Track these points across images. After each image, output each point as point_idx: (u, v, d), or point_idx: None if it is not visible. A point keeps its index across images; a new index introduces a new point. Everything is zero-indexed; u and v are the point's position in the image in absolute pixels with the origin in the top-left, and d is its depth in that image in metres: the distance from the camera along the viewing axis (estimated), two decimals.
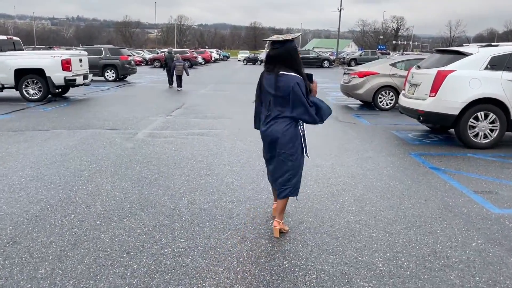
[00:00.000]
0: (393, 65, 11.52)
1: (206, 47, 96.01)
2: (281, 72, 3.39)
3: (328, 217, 4.05)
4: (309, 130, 8.67)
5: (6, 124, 8.65)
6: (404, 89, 8.40)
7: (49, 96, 13.43)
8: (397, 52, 73.10)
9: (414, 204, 4.45)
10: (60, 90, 13.55)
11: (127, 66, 20.66)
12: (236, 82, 21.54)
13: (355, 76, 11.60)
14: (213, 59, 52.21)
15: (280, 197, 3.60)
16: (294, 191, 3.60)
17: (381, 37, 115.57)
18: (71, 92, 14.70)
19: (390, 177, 5.38)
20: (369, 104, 12.37)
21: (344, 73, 12.46)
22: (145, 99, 13.55)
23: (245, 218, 4.01)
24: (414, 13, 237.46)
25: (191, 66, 37.02)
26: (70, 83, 12.65)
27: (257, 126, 3.90)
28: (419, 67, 7.78)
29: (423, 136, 8.06)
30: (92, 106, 11.66)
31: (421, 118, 7.29)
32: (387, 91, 11.42)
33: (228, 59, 65.17)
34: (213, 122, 9.21)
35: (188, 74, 17.35)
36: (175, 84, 17.48)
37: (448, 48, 7.72)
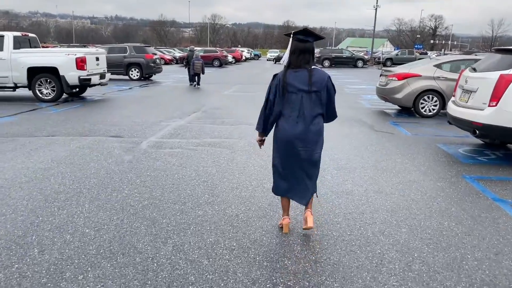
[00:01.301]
0: (438, 66, 10.12)
1: (239, 46, 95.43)
2: (313, 67, 3.31)
3: (361, 282, 2.90)
4: (338, 143, 7.72)
5: (4, 128, 7.90)
6: (454, 96, 7.07)
7: (66, 96, 12.81)
8: (436, 52, 69.90)
9: (481, 260, 3.23)
10: (77, 90, 12.90)
11: (152, 65, 19.96)
12: (264, 82, 20.41)
13: (394, 78, 10.27)
14: (244, 58, 51.30)
15: (306, 201, 3.55)
16: (315, 190, 3.64)
17: (418, 36, 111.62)
18: (90, 92, 14.04)
19: (443, 213, 4.16)
20: (408, 110, 11.01)
21: (381, 75, 11.14)
22: (164, 100, 12.68)
23: (245, 279, 2.92)
24: (453, 11, 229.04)
25: (220, 65, 36.26)
26: (85, 83, 11.92)
27: (265, 129, 3.68)
28: (474, 70, 6.45)
29: (477, 152, 6.71)
30: (105, 108, 10.86)
31: (477, 132, 5.98)
32: (430, 96, 10.04)
33: (259, 58, 64.16)
34: (230, 130, 8.16)
35: (203, 73, 17.37)
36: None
37: None
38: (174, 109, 10.83)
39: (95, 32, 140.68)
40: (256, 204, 4.30)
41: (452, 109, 6.72)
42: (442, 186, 4.99)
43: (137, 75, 19.92)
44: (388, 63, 41.07)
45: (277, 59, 49.01)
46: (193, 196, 4.48)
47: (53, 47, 32.20)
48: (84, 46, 28.91)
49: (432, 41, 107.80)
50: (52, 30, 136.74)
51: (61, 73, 11.50)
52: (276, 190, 3.67)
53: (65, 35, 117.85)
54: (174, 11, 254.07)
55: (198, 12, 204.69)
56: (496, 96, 5.70)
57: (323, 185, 4.91)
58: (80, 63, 11.54)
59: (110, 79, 19.50)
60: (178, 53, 45.09)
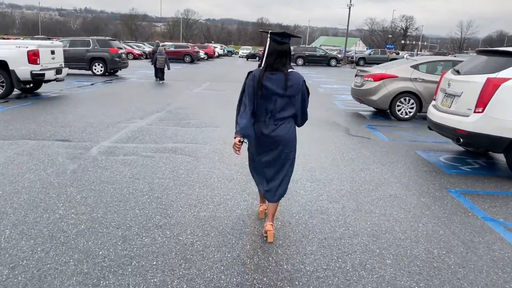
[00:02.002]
0: (415, 67, 9.71)
1: (212, 42, 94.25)
2: (290, 70, 3.26)
3: None
4: (312, 149, 7.10)
5: None
6: (435, 99, 6.61)
7: (19, 92, 11.78)
8: (407, 52, 70.82)
9: None
10: (31, 85, 11.87)
11: (117, 59, 18.92)
12: (236, 80, 19.75)
13: (370, 79, 9.80)
14: (216, 54, 50.37)
15: (275, 200, 3.47)
16: (286, 191, 3.55)
17: (390, 36, 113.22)
18: (47, 88, 12.98)
19: (431, 237, 3.62)
20: (384, 112, 10.58)
21: (356, 75, 10.65)
22: (127, 98, 11.81)
23: None
24: (423, 13, 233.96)
25: (192, 61, 35.30)
26: (38, 78, 10.92)
27: (243, 129, 3.41)
28: (458, 72, 5.98)
29: (459, 161, 6.27)
30: (59, 106, 9.93)
31: (461, 140, 5.51)
32: (407, 98, 9.62)
33: (232, 55, 63.31)
34: (195, 133, 7.46)
35: (168, 68, 17.08)
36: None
37: (500, 49, 5.92)
38: (136, 108, 10.01)
39: (63, 24, 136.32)
40: (217, 227, 3.64)
41: (433, 114, 6.24)
42: (427, 202, 4.47)
43: (101, 70, 18.84)
44: (361, 62, 41.13)
45: (250, 56, 48.34)
46: (141, 217, 3.78)
47: (15, 39, 30.43)
48: (49, 39, 27.39)
49: (403, 41, 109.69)
50: (18, 21, 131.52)
51: (11, 68, 10.46)
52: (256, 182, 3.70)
53: (31, 27, 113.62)
54: (146, 5, 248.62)
55: (171, 6, 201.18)
56: (482, 102, 5.24)
57: (296, 202, 4.30)
58: (33, 57, 10.55)
59: (72, 74, 18.45)
60: (148, 48, 43.73)
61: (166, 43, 44.83)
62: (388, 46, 64.65)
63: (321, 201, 4.36)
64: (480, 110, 5.25)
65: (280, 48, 3.22)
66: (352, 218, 3.95)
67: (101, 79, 17.28)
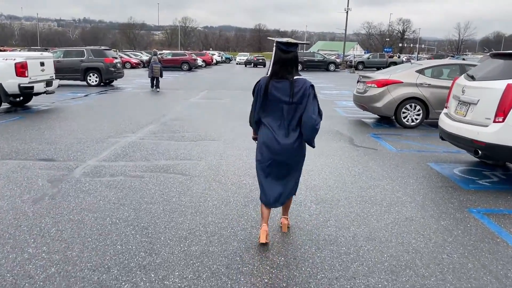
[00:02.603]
0: (421, 72, 9.24)
1: (210, 49, 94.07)
2: (296, 77, 3.27)
3: None
4: (315, 163, 6.12)
5: None
6: (447, 107, 6.13)
7: (8, 106, 11.32)
8: (405, 55, 70.43)
9: None
10: (20, 98, 11.41)
11: (112, 69, 18.48)
12: (235, 87, 19.32)
13: (373, 85, 9.33)
14: (214, 61, 50.04)
15: (287, 199, 3.60)
16: (297, 189, 3.70)
17: (388, 39, 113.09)
18: (38, 101, 12.52)
19: (459, 273, 3.11)
20: (388, 119, 10.11)
21: (359, 81, 10.18)
22: (120, 109, 11.34)
23: None
24: (420, 15, 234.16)
25: (190, 69, 34.91)
26: (26, 91, 10.47)
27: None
28: (472, 78, 5.50)
29: (476, 174, 5.77)
30: (48, 120, 9.45)
31: (479, 152, 5.01)
32: (413, 105, 9.14)
33: (231, 62, 62.97)
34: (190, 147, 6.97)
35: (161, 76, 17.33)
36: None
37: None
38: (129, 120, 9.53)
39: (62, 35, 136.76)
40: (210, 267, 3.14)
41: (445, 123, 5.75)
42: (448, 226, 3.97)
43: (95, 81, 18.40)
44: (360, 66, 40.78)
45: (248, 63, 47.93)
46: (123, 254, 3.29)
47: (11, 50, 30.01)
48: (46, 50, 26.99)
49: (400, 45, 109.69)
50: (17, 33, 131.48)
51: None
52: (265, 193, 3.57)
53: (30, 38, 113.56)
54: (144, 14, 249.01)
55: (169, 15, 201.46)
56: (502, 110, 4.75)
57: (301, 230, 3.81)
58: (20, 69, 10.10)
59: (66, 86, 18.02)
60: (145, 57, 43.37)
61: (163, 51, 44.47)
62: (386, 49, 64.40)
63: (328, 228, 3.86)
64: (501, 120, 4.76)
65: (285, 57, 3.25)
66: (366, 249, 3.45)
67: (95, 90, 16.83)
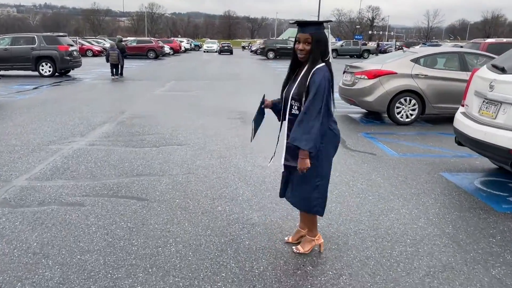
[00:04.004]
0: (416, 61, 8.17)
1: (179, 36, 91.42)
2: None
3: None
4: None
5: None
6: (465, 105, 5.05)
7: None
8: (372, 42, 70.13)
9: None
10: None
11: (68, 58, 16.67)
12: (206, 77, 17.89)
13: (363, 76, 8.20)
14: (183, 49, 48.10)
15: None
16: None
17: (358, 27, 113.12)
18: None
19: None
20: (376, 114, 9.05)
21: (345, 72, 9.03)
22: (72, 105, 9.80)
23: None
24: (389, 3, 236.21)
25: (156, 57, 33.05)
26: None
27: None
28: (503, 70, 4.40)
29: (502, 187, 4.73)
30: None
31: None
32: (408, 98, 8.08)
33: (200, 49, 60.95)
34: (151, 155, 5.65)
35: (122, 65, 16.67)
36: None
37: None
38: (80, 119, 8.07)
39: (21, 21, 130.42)
40: None
41: (466, 126, 4.66)
42: (502, 277, 2.86)
43: (49, 71, 16.55)
44: (334, 54, 39.82)
45: (222, 51, 46.63)
46: None
47: None
48: None
49: (370, 32, 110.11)
50: None
51: None
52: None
53: None
54: None
55: (135, 0, 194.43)
56: None
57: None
58: None
59: (15, 76, 16.20)
60: (108, 44, 40.97)
61: (128, 38, 42.23)
62: (356, 37, 63.91)
63: (341, 285, 2.69)
64: None
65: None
66: None
67: (48, 81, 15.06)
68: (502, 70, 4.39)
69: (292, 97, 2.83)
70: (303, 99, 2.74)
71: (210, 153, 5.85)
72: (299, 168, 2.73)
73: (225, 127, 7.58)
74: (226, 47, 46.84)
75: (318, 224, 3.25)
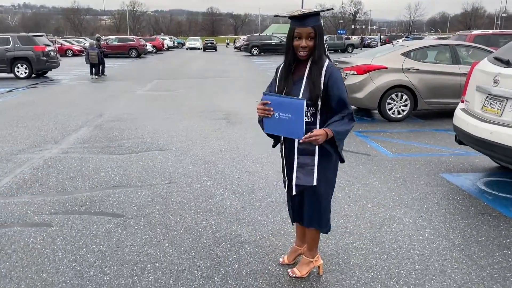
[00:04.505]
0: (406, 54, 7.86)
1: (162, 34, 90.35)
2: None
3: None
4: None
5: None
6: (465, 101, 4.73)
7: None
8: (357, 36, 70.23)
9: None
10: None
11: (44, 58, 16.00)
12: (190, 76, 17.40)
13: (352, 72, 7.86)
14: (166, 46, 47.33)
15: None
16: None
17: (341, 21, 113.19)
18: None
19: None
20: (365, 109, 8.73)
21: None
22: (48, 109, 9.26)
23: None
24: None
25: (138, 56, 32.35)
26: None
27: None
28: (507, 63, 4.07)
29: (509, 189, 4.42)
30: None
31: None
32: (399, 94, 7.76)
33: (183, 46, 60.13)
34: (129, 163, 5.21)
35: (101, 63, 16.39)
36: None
37: None
38: (55, 123, 7.57)
39: (0, 22, 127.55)
40: None
41: (468, 123, 4.34)
42: None
43: (25, 73, 15.87)
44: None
45: (206, 47, 46.40)
46: None
47: None
48: None
49: (353, 26, 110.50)
50: None
51: None
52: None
53: None
54: None
55: None
56: None
57: None
58: None
59: None
60: (88, 43, 40.02)
61: (109, 36, 41.33)
62: (339, 31, 63.81)
63: None
64: None
65: None
66: None
67: (24, 83, 14.41)
68: (507, 63, 4.06)
69: None
70: (319, 102, 2.33)
71: (193, 158, 5.43)
72: (315, 136, 2.23)
73: (209, 129, 7.16)
74: (209, 44, 47.05)
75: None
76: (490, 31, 14.17)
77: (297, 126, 2.21)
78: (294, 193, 2.53)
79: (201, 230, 3.43)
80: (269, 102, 2.29)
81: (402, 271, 2.83)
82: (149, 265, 2.91)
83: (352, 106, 8.70)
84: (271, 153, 5.59)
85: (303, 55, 2.34)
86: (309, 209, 2.57)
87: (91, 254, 3.06)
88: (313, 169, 2.42)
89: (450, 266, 2.91)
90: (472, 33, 14.07)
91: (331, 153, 2.41)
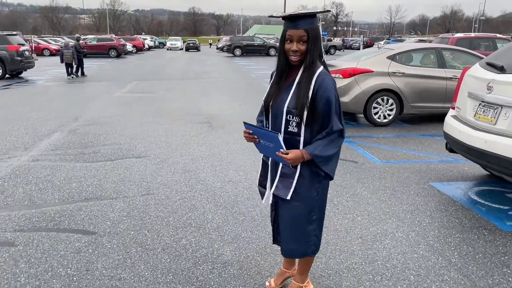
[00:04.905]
0: (392, 58, 7.72)
1: (143, 33, 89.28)
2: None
3: None
4: None
5: None
6: (456, 108, 4.57)
7: None
8: (340, 38, 70.74)
9: None
10: None
11: (18, 58, 15.40)
12: (171, 77, 17.01)
13: (338, 75, 7.67)
14: (146, 46, 46.64)
15: None
16: None
17: (323, 23, 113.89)
18: None
19: None
20: (350, 113, 8.57)
21: None
22: (19, 111, 8.81)
23: None
24: None
25: (118, 56, 31.71)
26: None
27: None
28: (502, 69, 3.91)
29: (501, 199, 4.27)
30: None
31: None
32: (385, 98, 7.61)
33: (165, 47, 59.39)
34: (104, 172, 4.89)
35: (76, 63, 16.26)
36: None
37: None
38: (26, 128, 7.17)
39: None
40: None
41: (462, 132, 4.17)
42: None
43: None
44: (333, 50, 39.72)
45: (189, 48, 46.26)
46: None
47: None
48: None
49: (334, 28, 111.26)
50: None
51: None
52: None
53: None
54: None
55: None
56: None
57: None
58: None
59: None
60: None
61: (88, 36, 40.48)
62: (322, 33, 64.00)
63: None
64: None
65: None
66: None
67: None
68: (501, 69, 3.90)
69: (287, 110, 2.15)
70: (305, 112, 2.11)
71: (173, 167, 5.14)
72: (289, 158, 2.09)
73: (190, 134, 6.88)
74: (192, 44, 47.17)
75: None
76: (472, 35, 14.26)
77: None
78: (270, 201, 2.35)
79: (180, 249, 3.16)
80: (251, 132, 2.19)
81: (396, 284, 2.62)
82: None
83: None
84: (255, 160, 5.35)
85: (294, 60, 2.12)
86: (284, 230, 2.36)
87: (57, 279, 2.76)
88: (292, 182, 2.22)
89: (423, 261, 2.72)
90: (455, 36, 14.12)
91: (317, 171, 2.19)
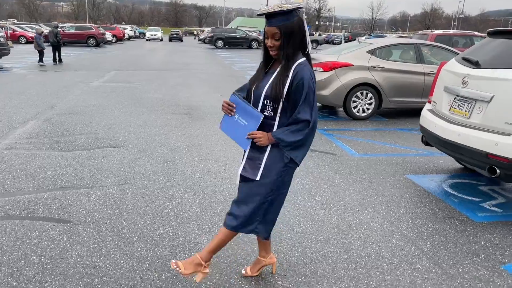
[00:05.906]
0: (372, 52, 7.80)
1: (123, 23, 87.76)
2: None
3: None
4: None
5: None
6: (432, 102, 4.66)
7: None
8: (323, 33, 71.06)
9: None
10: None
11: None
12: (151, 67, 16.78)
13: (318, 68, 7.71)
14: (126, 36, 45.87)
15: None
16: None
17: (306, 17, 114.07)
18: None
19: None
20: (329, 107, 8.65)
21: None
22: None
23: None
24: None
25: (97, 45, 31.12)
26: None
27: None
28: (477, 64, 4.00)
29: (474, 191, 4.39)
30: None
31: (497, 171, 3.55)
32: (364, 92, 7.70)
33: (145, 37, 58.51)
34: (80, 161, 4.81)
35: (42, 48, 16.15)
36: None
37: None
38: (0, 115, 6.98)
39: None
40: None
41: (437, 125, 4.26)
42: None
43: None
44: (314, 45, 39.51)
45: (173, 38, 46.48)
46: None
47: None
48: None
49: (317, 23, 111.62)
50: None
51: None
52: None
53: None
54: None
55: None
56: None
57: None
58: None
59: None
60: (45, 30, 38.13)
61: (66, 24, 39.56)
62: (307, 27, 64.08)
63: None
64: None
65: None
66: None
67: None
68: (476, 64, 3.99)
69: (265, 95, 2.26)
70: (281, 99, 2.20)
71: (152, 156, 5.10)
72: (256, 136, 2.25)
73: (170, 124, 6.82)
74: (175, 35, 48.01)
75: (274, 247, 2.68)
76: (451, 32, 14.52)
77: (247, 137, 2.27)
78: (237, 182, 2.44)
79: (157, 238, 3.14)
80: (234, 105, 2.29)
81: (371, 282, 2.68)
82: (96, 280, 2.60)
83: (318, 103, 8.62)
84: (234, 151, 5.35)
85: (273, 54, 2.27)
86: (241, 203, 2.38)
87: (30, 266, 2.72)
88: (260, 164, 2.30)
89: (420, 276, 2.78)
90: (434, 32, 14.35)
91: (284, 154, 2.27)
